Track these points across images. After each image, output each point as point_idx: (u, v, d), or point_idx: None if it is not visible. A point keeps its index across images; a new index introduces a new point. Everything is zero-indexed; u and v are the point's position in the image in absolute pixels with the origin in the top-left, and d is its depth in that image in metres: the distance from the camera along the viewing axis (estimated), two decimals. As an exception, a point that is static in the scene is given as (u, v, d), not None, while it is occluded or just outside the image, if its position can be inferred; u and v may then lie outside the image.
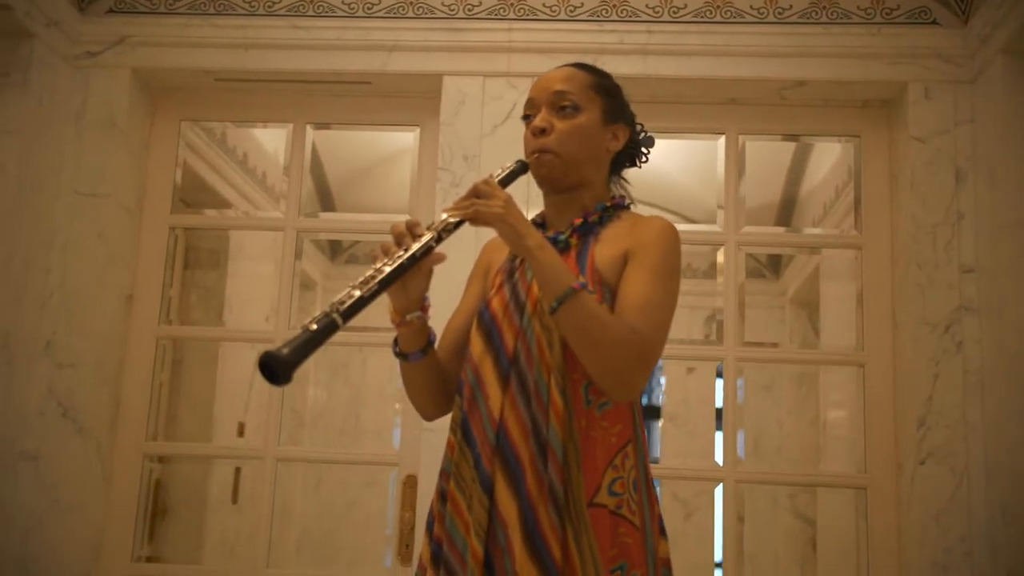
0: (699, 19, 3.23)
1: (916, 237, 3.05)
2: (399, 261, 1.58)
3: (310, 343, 1.41)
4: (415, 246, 1.60)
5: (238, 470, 4.73)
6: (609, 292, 1.72)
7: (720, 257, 3.32)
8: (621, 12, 3.25)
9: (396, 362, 1.78)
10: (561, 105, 1.83)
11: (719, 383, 3.29)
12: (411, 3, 3.29)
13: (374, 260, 1.60)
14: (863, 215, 3.31)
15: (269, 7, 3.31)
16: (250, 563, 3.24)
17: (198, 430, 4.42)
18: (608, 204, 1.86)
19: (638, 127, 1.96)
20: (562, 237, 1.80)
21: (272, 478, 3.24)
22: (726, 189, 3.32)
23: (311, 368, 5.72)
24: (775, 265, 6.07)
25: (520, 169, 1.81)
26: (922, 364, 2.99)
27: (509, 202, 1.66)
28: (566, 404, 1.65)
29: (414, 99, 3.37)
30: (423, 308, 1.71)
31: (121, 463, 3.26)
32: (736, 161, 3.33)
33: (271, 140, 4.74)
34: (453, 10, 3.28)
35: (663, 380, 6.20)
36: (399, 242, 1.62)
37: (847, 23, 3.19)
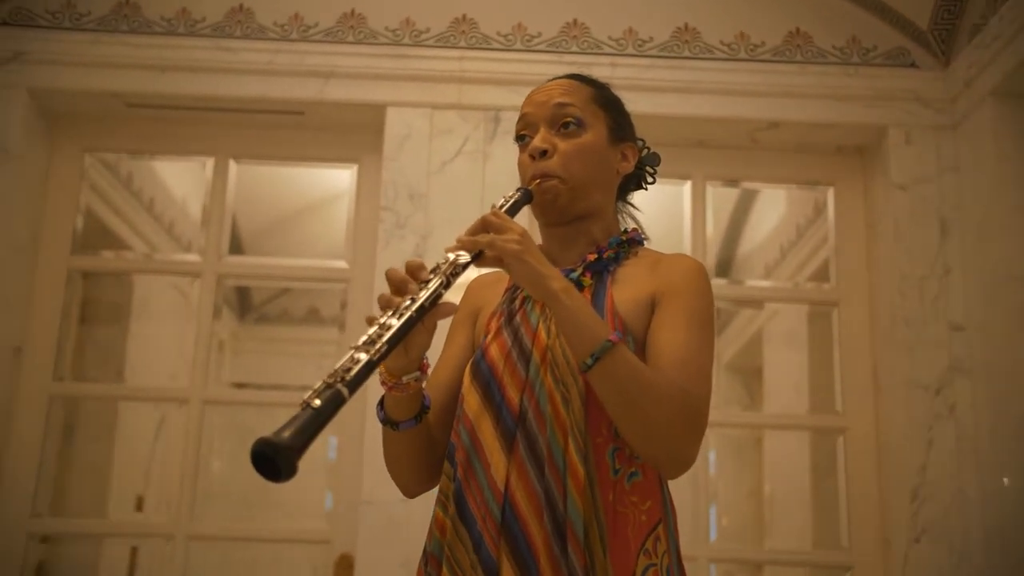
0: (666, 53, 2.99)
1: (902, 291, 2.82)
2: (407, 314, 1.26)
3: (314, 423, 1.09)
4: (422, 295, 1.28)
5: (135, 550, 4.23)
6: (632, 341, 1.41)
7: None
8: (582, 43, 2.99)
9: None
10: (563, 122, 1.54)
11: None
12: (351, 27, 2.97)
13: (369, 322, 1.27)
14: (837, 268, 3.07)
15: (191, 26, 2.96)
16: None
17: (91, 505, 3.92)
18: (623, 238, 1.56)
19: (639, 143, 1.66)
20: (574, 275, 1.49)
21: (184, 559, 2.81)
22: (693, 239, 3.05)
23: (215, 435, 5.25)
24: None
25: (524, 198, 1.50)
26: (914, 430, 2.74)
27: (526, 237, 1.36)
28: (588, 473, 1.33)
29: (353, 132, 3.05)
30: (421, 368, 1.37)
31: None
32: (702, 209, 3.07)
33: (180, 185, 4.32)
34: (399, 35, 2.97)
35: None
36: (400, 291, 1.30)
37: (823, 63, 2.99)
